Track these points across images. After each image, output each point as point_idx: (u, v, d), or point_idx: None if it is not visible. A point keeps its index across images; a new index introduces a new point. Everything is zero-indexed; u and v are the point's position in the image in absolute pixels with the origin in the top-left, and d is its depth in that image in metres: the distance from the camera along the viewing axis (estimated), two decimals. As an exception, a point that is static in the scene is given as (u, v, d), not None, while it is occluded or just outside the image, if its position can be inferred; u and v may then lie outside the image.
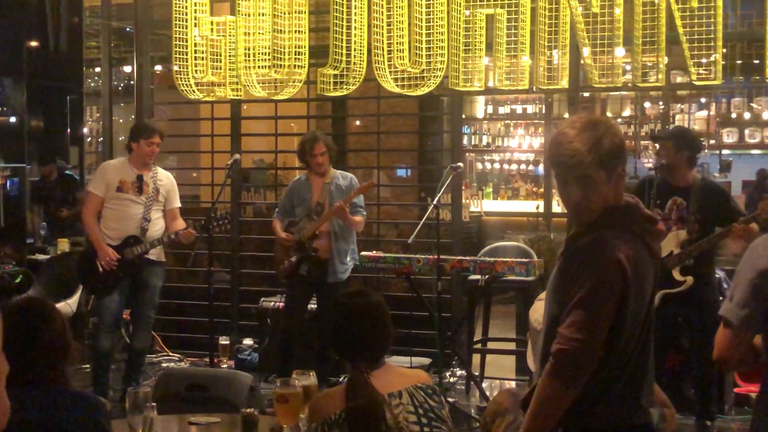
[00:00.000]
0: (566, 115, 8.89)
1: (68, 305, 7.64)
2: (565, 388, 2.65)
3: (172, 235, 6.64)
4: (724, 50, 7.36)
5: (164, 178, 6.82)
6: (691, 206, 5.90)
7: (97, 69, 9.27)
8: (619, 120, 11.35)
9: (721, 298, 6.12)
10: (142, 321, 6.82)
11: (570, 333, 2.63)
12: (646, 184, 6.06)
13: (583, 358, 2.63)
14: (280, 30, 7.22)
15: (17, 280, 7.41)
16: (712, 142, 10.76)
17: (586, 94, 10.49)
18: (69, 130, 9.30)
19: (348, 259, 6.80)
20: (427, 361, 7.24)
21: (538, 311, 3.10)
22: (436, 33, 6.96)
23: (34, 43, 8.99)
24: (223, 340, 7.89)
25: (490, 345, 7.38)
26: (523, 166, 12.36)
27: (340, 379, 6.76)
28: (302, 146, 6.80)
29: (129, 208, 6.61)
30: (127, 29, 9.35)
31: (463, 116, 10.10)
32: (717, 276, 6.22)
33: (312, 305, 7.06)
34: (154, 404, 3.52)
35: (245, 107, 8.81)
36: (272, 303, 7.57)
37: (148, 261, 6.67)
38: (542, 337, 2.82)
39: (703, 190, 5.95)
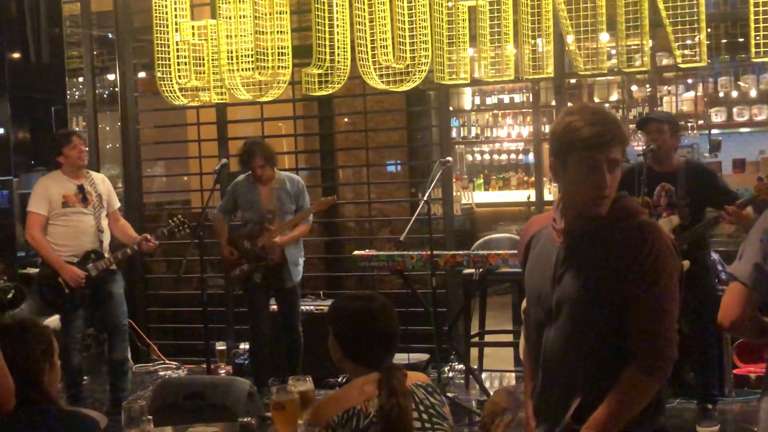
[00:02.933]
0: (553, 103, 8.85)
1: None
2: (658, 384, 2.65)
3: (134, 246, 6.65)
4: (708, 30, 7.33)
5: (101, 182, 6.81)
6: (680, 191, 5.85)
7: (81, 78, 9.23)
8: (607, 105, 11.33)
9: (717, 280, 6.10)
10: (118, 331, 6.76)
11: (666, 326, 2.61)
12: (636, 171, 5.99)
13: (674, 350, 2.64)
14: (262, 31, 7.18)
15: (9, 296, 7.33)
16: (701, 122, 10.72)
17: (573, 81, 10.46)
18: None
19: (300, 260, 6.94)
20: (425, 356, 7.22)
21: None
22: (419, 27, 6.93)
23: (15, 56, 8.92)
24: (220, 346, 7.87)
25: (488, 338, 7.36)
26: (513, 156, 12.32)
27: (339, 380, 6.76)
28: (241, 156, 6.83)
29: (81, 222, 6.56)
30: (109, 36, 9.29)
31: (451, 109, 10.07)
32: (712, 258, 6.17)
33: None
34: (150, 417, 3.50)
35: (231, 110, 8.76)
36: (267, 306, 7.53)
37: (107, 272, 6.63)
38: (565, 322, 2.72)
39: (689, 172, 5.91)
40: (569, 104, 7.88)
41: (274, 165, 6.83)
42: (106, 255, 6.62)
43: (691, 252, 5.76)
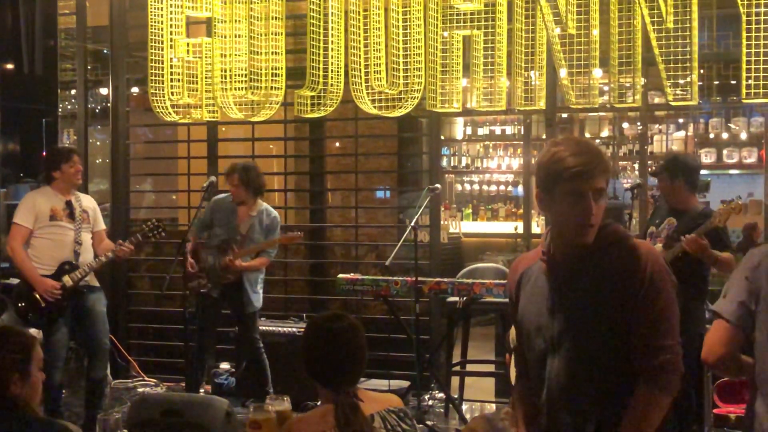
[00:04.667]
0: (544, 136, 8.89)
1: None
2: (670, 398, 2.70)
3: (108, 254, 6.54)
4: (701, 71, 7.39)
5: (88, 201, 6.74)
6: (679, 227, 5.88)
7: (73, 91, 9.23)
8: (598, 141, 11.39)
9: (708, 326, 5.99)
10: (99, 350, 6.63)
11: (670, 341, 2.69)
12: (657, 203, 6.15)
13: (680, 363, 2.70)
14: (257, 52, 7.20)
15: (-9, 306, 7.30)
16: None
17: (564, 115, 10.52)
18: (45, 152, 9.21)
19: (258, 287, 7.10)
20: (405, 383, 7.18)
21: None
22: (414, 54, 6.96)
23: (8, 66, 8.92)
24: (200, 364, 7.80)
25: (469, 367, 7.33)
26: (502, 187, 12.35)
27: (318, 403, 6.71)
28: (225, 172, 7.15)
29: (64, 236, 6.46)
30: (104, 51, 9.31)
31: (442, 137, 10.09)
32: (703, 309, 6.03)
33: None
34: (125, 431, 3.46)
35: (222, 129, 8.76)
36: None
37: (87, 288, 6.55)
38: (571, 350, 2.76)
39: (696, 217, 5.90)
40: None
41: (254, 192, 6.99)
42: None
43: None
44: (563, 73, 6.89)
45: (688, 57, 6.61)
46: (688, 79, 6.72)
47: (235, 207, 7.03)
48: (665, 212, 6.05)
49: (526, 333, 2.90)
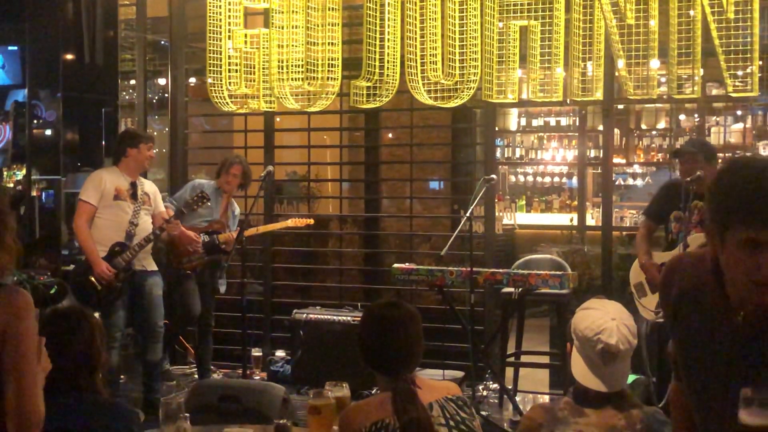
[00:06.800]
0: (600, 127, 8.81)
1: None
2: None
3: (157, 231, 6.66)
4: (761, 62, 7.27)
5: (149, 185, 6.96)
6: None
7: (132, 81, 9.35)
8: (654, 132, 11.27)
9: None
10: (153, 333, 6.79)
11: None
12: (672, 189, 6.18)
13: None
14: (314, 42, 7.24)
15: (52, 291, 7.41)
16: (749, 154, 10.64)
17: (621, 107, 10.42)
18: (104, 142, 9.35)
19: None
20: (459, 374, 7.20)
21: (588, 319, 2.90)
22: (470, 45, 6.95)
23: (69, 56, 9.05)
24: (256, 352, 7.90)
25: (524, 358, 7.33)
26: (556, 179, 12.28)
27: (373, 392, 6.76)
28: (223, 162, 7.41)
29: (124, 216, 6.63)
30: (162, 42, 9.42)
31: (497, 128, 10.06)
32: None
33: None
34: (187, 415, 3.52)
35: (278, 119, 8.83)
36: (305, 315, 7.56)
37: (144, 272, 6.69)
38: None
39: None
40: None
41: (244, 184, 7.39)
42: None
43: None
44: (621, 63, 6.83)
45: (748, 48, 6.53)
46: (749, 70, 6.63)
47: (221, 194, 7.31)
48: (685, 195, 5.93)
49: (692, 364, 2.27)
